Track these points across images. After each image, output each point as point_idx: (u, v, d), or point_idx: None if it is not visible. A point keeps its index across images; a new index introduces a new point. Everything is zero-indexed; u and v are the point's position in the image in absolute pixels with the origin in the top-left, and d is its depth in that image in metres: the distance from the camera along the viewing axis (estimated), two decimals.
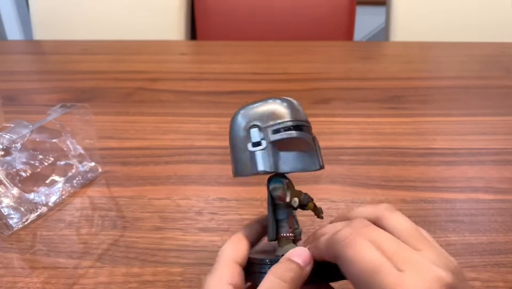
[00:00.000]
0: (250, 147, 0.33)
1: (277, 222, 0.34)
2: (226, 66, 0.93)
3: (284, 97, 0.34)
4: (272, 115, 0.33)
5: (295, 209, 0.34)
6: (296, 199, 0.33)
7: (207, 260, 0.43)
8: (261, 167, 0.33)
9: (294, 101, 0.34)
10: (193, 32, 1.24)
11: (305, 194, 0.33)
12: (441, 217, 0.48)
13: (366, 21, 1.72)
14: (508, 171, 0.56)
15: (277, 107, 0.33)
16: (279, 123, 0.32)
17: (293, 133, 0.32)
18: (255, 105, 0.33)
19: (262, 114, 0.33)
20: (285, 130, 0.32)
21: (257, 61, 0.96)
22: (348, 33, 1.19)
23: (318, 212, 0.35)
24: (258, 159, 0.33)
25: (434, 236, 0.46)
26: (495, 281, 0.41)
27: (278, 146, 0.33)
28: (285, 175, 0.34)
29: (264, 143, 0.33)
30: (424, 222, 0.48)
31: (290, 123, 0.32)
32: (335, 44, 1.09)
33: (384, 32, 1.20)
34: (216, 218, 0.49)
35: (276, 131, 0.32)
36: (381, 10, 1.29)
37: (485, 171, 0.56)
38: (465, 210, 0.50)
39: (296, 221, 0.35)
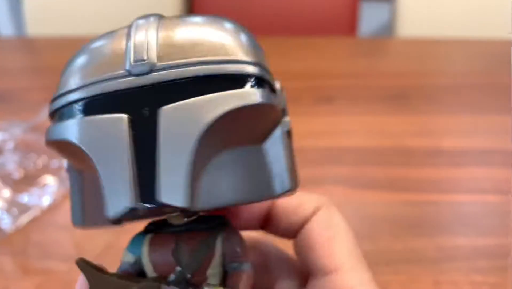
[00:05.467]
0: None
1: None
2: None
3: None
4: None
5: None
6: None
7: None
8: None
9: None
10: None
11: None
12: (448, 219, 0.47)
13: (372, 16, 1.70)
14: None
15: None
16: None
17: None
18: None
19: None
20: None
21: None
22: (351, 28, 1.18)
23: None
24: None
25: (441, 238, 0.45)
26: (503, 284, 0.40)
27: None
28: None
29: None
30: (431, 224, 0.47)
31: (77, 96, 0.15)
32: (338, 40, 1.08)
33: (389, 27, 1.18)
34: None
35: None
36: (387, 5, 1.28)
37: (493, 172, 0.55)
38: (472, 212, 0.48)
39: None
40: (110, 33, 0.17)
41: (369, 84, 0.82)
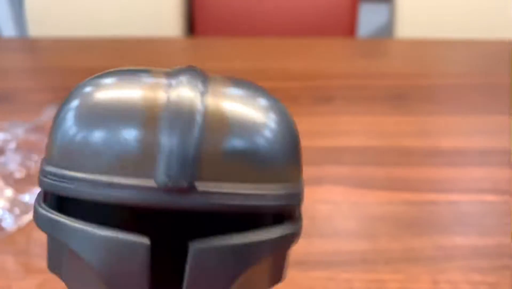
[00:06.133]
0: None
1: None
2: (225, 63, 0.91)
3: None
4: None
5: None
6: None
7: None
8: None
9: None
10: (191, 28, 1.23)
11: None
12: (447, 219, 0.47)
13: (371, 17, 1.70)
14: None
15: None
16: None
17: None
18: None
19: None
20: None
21: (256, 58, 0.95)
22: (350, 29, 1.18)
23: None
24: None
25: (439, 238, 0.45)
26: (502, 284, 0.40)
27: None
28: None
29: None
30: (429, 224, 0.47)
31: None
32: (338, 41, 1.08)
33: (388, 28, 1.18)
34: None
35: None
36: (386, 7, 1.28)
37: (492, 172, 0.55)
38: (471, 212, 0.48)
39: None
40: (141, 95, 0.12)
41: (368, 85, 0.82)
